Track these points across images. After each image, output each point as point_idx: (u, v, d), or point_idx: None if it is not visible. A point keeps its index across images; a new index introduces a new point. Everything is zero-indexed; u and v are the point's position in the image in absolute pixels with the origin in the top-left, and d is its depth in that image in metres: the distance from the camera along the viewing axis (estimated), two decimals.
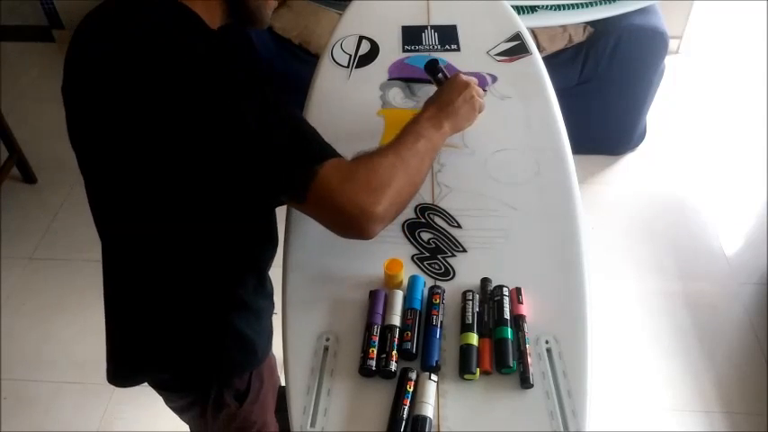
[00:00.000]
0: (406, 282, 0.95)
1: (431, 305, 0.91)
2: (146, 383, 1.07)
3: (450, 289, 0.94)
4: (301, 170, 0.79)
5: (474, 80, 1.06)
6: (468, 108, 1.05)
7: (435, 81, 1.13)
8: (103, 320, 1.02)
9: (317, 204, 0.80)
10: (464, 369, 0.85)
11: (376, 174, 0.82)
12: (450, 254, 1.00)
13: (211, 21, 0.87)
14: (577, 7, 2.27)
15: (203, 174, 0.81)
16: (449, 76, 1.09)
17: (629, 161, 2.57)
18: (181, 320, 0.98)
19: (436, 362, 0.86)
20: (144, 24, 0.81)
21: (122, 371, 1.04)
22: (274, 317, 1.08)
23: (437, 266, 0.98)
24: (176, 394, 1.08)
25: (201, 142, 0.78)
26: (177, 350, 1.00)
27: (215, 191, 0.84)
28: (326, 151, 0.82)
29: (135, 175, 0.85)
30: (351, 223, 0.80)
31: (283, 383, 0.89)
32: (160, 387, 1.08)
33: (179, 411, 1.12)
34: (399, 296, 0.93)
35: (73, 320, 2.06)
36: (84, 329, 2.02)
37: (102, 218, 0.96)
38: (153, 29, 0.81)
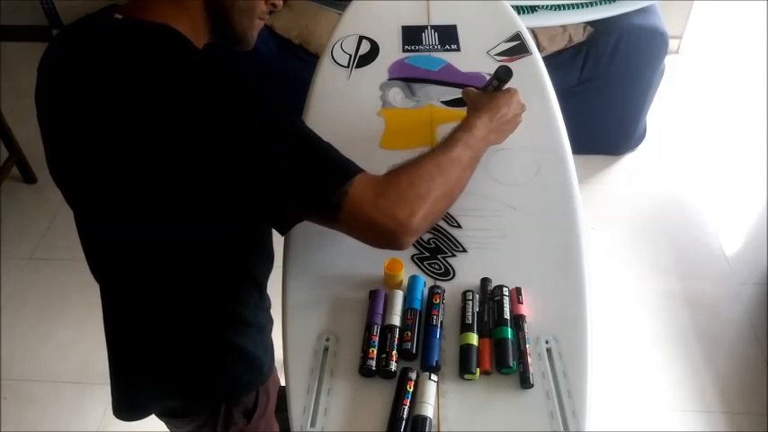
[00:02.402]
0: (406, 282, 0.95)
1: (431, 305, 0.91)
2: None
3: (450, 289, 0.94)
4: (332, 191, 0.77)
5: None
6: (512, 128, 1.07)
7: (495, 87, 1.08)
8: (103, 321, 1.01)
9: (351, 222, 0.79)
10: (464, 369, 0.85)
11: (412, 185, 0.81)
12: (450, 254, 1.00)
13: (196, 40, 0.85)
14: (577, 7, 2.27)
15: (219, 201, 0.79)
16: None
17: (629, 161, 2.57)
18: (186, 345, 0.97)
19: (436, 362, 0.86)
20: (129, 49, 0.78)
21: (130, 403, 1.03)
22: (274, 317, 1.08)
23: (437, 266, 0.98)
24: (185, 420, 1.07)
25: (220, 170, 0.75)
26: (185, 376, 1.00)
27: (230, 215, 0.83)
28: (351, 167, 0.80)
29: (134, 206, 0.82)
30: (386, 237, 0.80)
31: (283, 383, 0.89)
32: (168, 415, 1.07)
33: None
34: (399, 296, 0.93)
35: (73, 321, 2.06)
36: (84, 330, 2.02)
37: (95, 249, 0.94)
38: (139, 53, 0.77)
